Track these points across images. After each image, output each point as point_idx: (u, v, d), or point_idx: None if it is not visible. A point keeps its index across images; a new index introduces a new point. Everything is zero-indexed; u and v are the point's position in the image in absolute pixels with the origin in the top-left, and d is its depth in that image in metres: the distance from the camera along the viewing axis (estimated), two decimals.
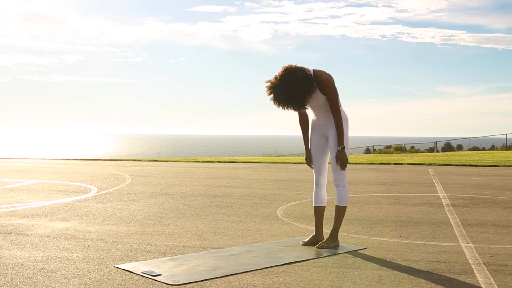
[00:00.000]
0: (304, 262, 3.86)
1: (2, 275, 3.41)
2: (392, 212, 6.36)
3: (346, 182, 4.45)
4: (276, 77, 4.17)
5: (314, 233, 4.54)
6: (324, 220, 4.63)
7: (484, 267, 3.71)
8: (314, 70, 4.28)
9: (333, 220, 4.47)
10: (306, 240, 4.52)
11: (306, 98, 4.20)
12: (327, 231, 4.57)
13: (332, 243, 4.37)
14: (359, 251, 4.24)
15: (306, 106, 4.28)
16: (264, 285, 3.28)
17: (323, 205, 4.57)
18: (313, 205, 4.60)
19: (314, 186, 4.60)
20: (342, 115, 4.37)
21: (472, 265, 3.77)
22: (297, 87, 4.12)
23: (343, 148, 4.30)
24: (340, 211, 4.44)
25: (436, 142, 36.07)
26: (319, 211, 4.57)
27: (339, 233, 4.74)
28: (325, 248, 4.31)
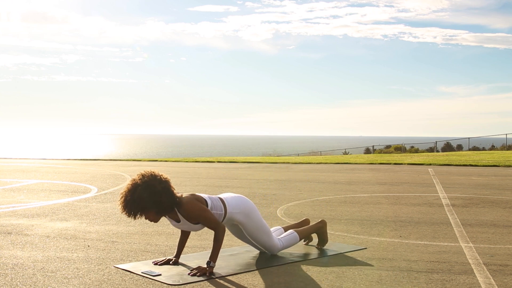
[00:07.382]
0: (304, 262, 3.87)
1: (2, 275, 3.41)
2: (392, 212, 6.36)
3: (278, 244, 4.06)
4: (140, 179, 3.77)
5: None
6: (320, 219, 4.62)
7: (484, 267, 3.71)
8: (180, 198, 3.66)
9: (315, 223, 4.40)
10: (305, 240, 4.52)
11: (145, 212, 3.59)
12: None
13: (326, 242, 4.36)
14: (359, 251, 4.24)
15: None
16: (264, 285, 3.28)
17: (287, 228, 4.40)
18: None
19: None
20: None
21: (472, 265, 3.77)
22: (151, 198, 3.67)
23: (212, 265, 3.53)
24: (304, 231, 4.27)
25: (436, 142, 36.05)
26: (294, 227, 4.45)
27: (339, 233, 4.75)
28: (322, 249, 4.30)
